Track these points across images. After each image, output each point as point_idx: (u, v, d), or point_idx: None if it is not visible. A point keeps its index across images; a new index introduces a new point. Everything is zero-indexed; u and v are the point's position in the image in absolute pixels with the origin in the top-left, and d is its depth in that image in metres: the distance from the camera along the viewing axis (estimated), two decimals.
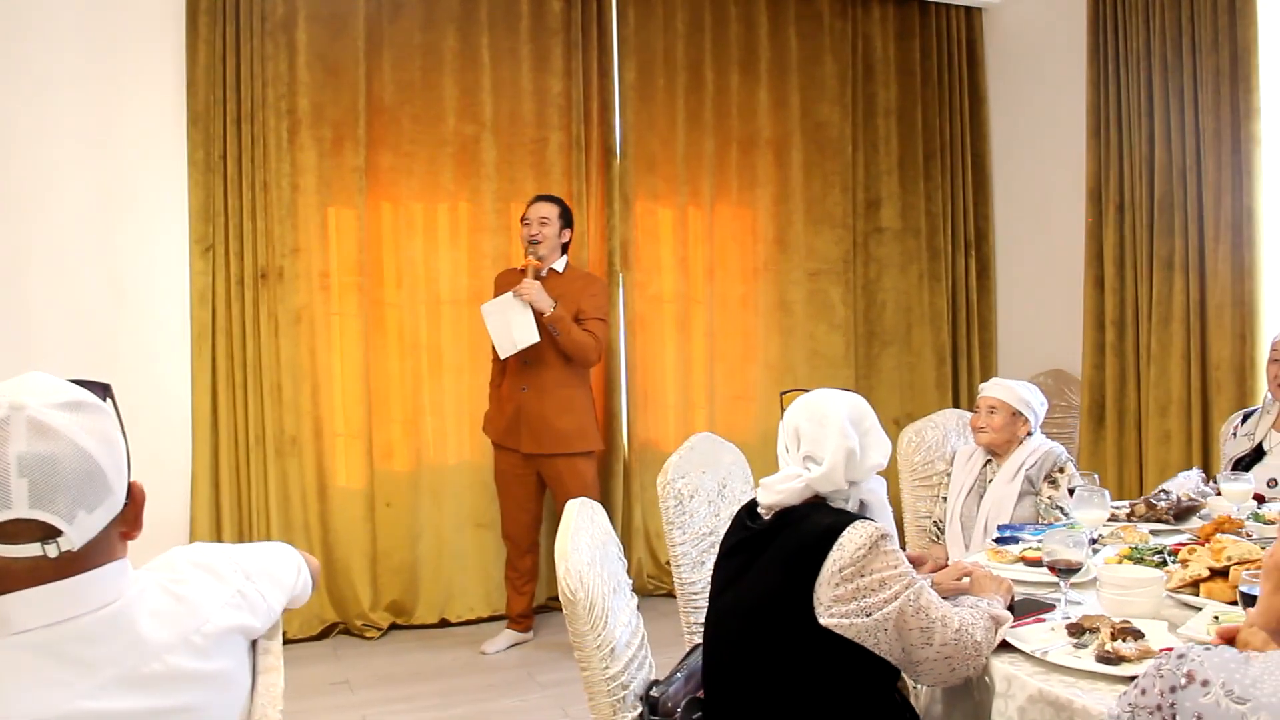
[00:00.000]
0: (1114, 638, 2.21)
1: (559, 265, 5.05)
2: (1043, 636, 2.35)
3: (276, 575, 1.72)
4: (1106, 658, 2.15)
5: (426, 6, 5.45)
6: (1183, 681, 1.47)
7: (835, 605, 2.17)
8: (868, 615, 2.16)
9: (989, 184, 6.67)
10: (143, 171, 5.03)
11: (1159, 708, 1.49)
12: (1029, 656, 2.26)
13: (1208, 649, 1.50)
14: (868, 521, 2.24)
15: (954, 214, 6.58)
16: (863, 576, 2.16)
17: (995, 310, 6.69)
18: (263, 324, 5.13)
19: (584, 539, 2.44)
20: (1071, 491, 3.31)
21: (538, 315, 4.80)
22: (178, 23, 5.04)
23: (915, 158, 6.51)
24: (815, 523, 2.27)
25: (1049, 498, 3.62)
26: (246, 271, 5.10)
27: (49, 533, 1.31)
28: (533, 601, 5.33)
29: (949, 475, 4.00)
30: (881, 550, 2.19)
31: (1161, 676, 1.50)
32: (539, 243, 4.96)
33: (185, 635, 1.44)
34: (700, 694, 2.53)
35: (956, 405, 6.33)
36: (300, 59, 5.20)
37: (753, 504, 2.48)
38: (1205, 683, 1.44)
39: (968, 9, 6.59)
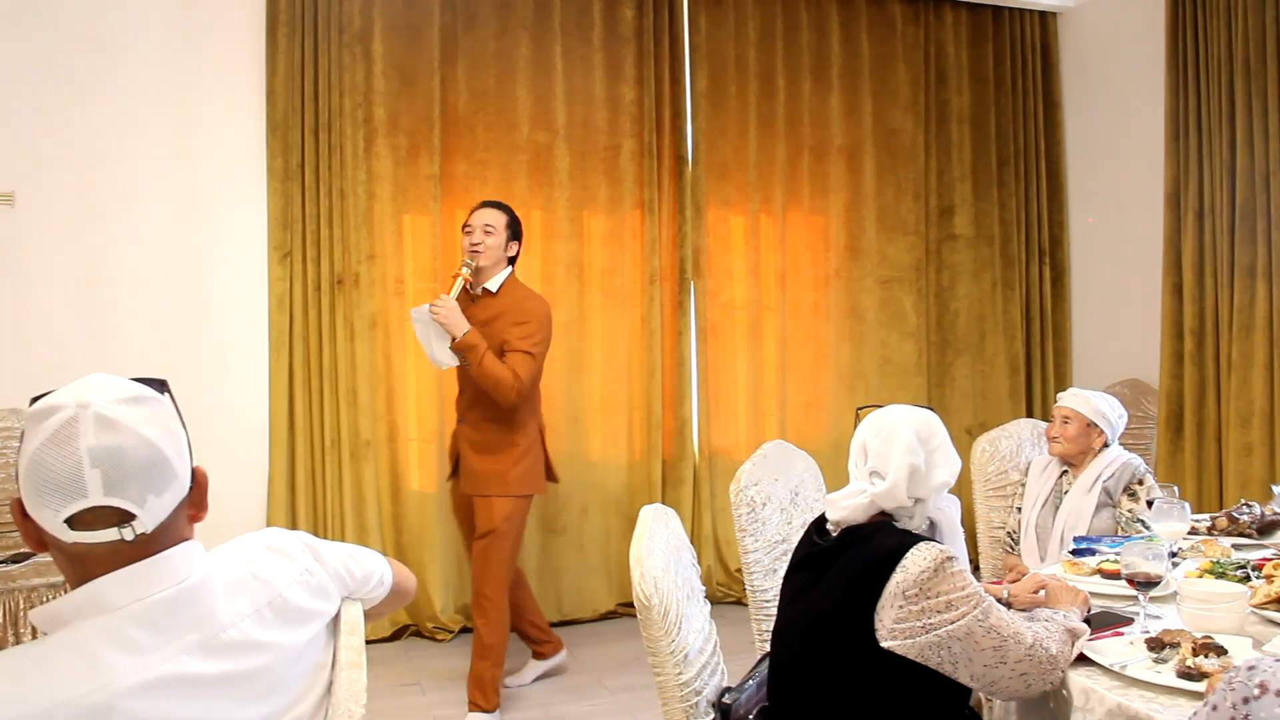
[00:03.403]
0: (1196, 653, 2.17)
1: (495, 283, 4.37)
2: (1121, 650, 2.32)
3: (346, 561, 1.80)
4: (1188, 673, 2.12)
5: (500, 15, 5.51)
6: (1255, 693, 1.45)
7: (897, 626, 2.14)
8: (929, 632, 2.13)
9: (1064, 190, 6.59)
10: (223, 180, 5.13)
11: None
12: (1107, 670, 2.23)
13: (1279, 660, 1.48)
14: (932, 543, 2.21)
15: (1028, 221, 6.52)
16: (927, 599, 2.13)
17: (1070, 319, 6.60)
18: (339, 329, 5.21)
19: (659, 544, 2.45)
20: (1150, 504, 3.26)
21: (451, 339, 4.24)
22: (258, 34, 5.13)
23: (989, 164, 6.45)
24: (880, 543, 2.24)
25: (1128, 510, 3.57)
26: (323, 277, 5.18)
27: (124, 518, 1.41)
28: (543, 620, 4.89)
29: (1023, 486, 3.96)
30: (947, 572, 2.15)
31: (1233, 689, 1.48)
32: (479, 253, 4.32)
33: (257, 607, 1.55)
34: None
35: (1030, 415, 6.26)
36: (376, 68, 5.28)
37: (822, 519, 2.46)
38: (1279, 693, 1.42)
39: (1042, 13, 6.52)
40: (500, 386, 4.19)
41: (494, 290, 4.37)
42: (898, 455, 2.34)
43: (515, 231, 4.45)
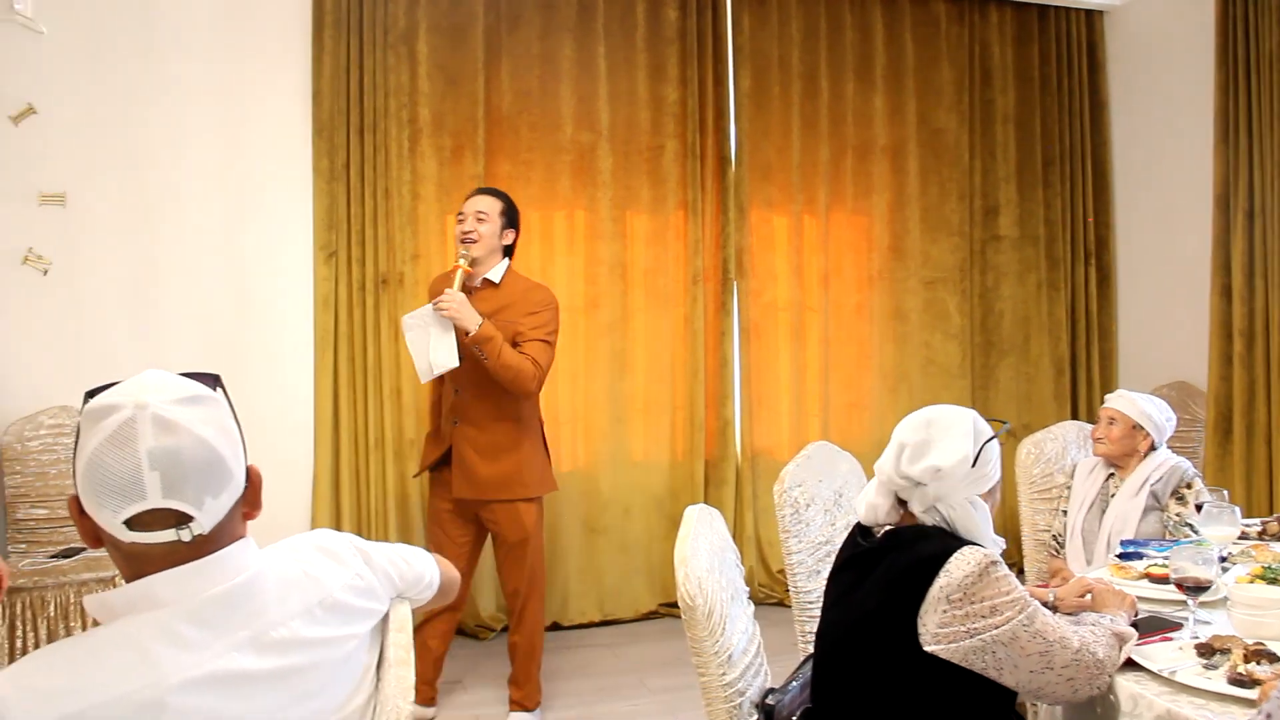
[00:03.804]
0: (1247, 660, 2.15)
1: (496, 274, 4.21)
2: (1170, 656, 2.30)
3: (393, 559, 1.81)
4: (1240, 680, 2.10)
5: (544, 16, 5.53)
6: None
7: (941, 631, 2.13)
8: (973, 636, 2.12)
9: (1110, 191, 6.53)
10: (269, 180, 5.18)
11: None
12: (1155, 676, 2.21)
13: None
14: (976, 548, 2.19)
15: (1074, 221, 6.46)
16: (971, 603, 2.11)
17: (1116, 320, 6.54)
18: (383, 329, 5.24)
19: (703, 545, 2.45)
20: (1199, 508, 3.23)
21: (461, 334, 4.04)
22: (304, 36, 5.18)
23: (1034, 164, 6.40)
24: (924, 547, 2.23)
25: (1176, 514, 3.53)
26: (368, 277, 5.21)
27: (181, 519, 1.42)
28: (440, 669, 4.51)
29: (1069, 488, 3.93)
30: (991, 577, 2.13)
31: None
32: (473, 242, 4.13)
33: (308, 606, 1.56)
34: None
35: (1075, 417, 6.21)
36: (421, 69, 5.31)
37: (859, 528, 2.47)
38: None
39: (1088, 12, 6.47)
40: (522, 376, 4.04)
41: (496, 281, 4.20)
42: (955, 440, 2.31)
43: (511, 219, 4.27)
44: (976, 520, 2.29)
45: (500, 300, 4.16)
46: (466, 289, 4.14)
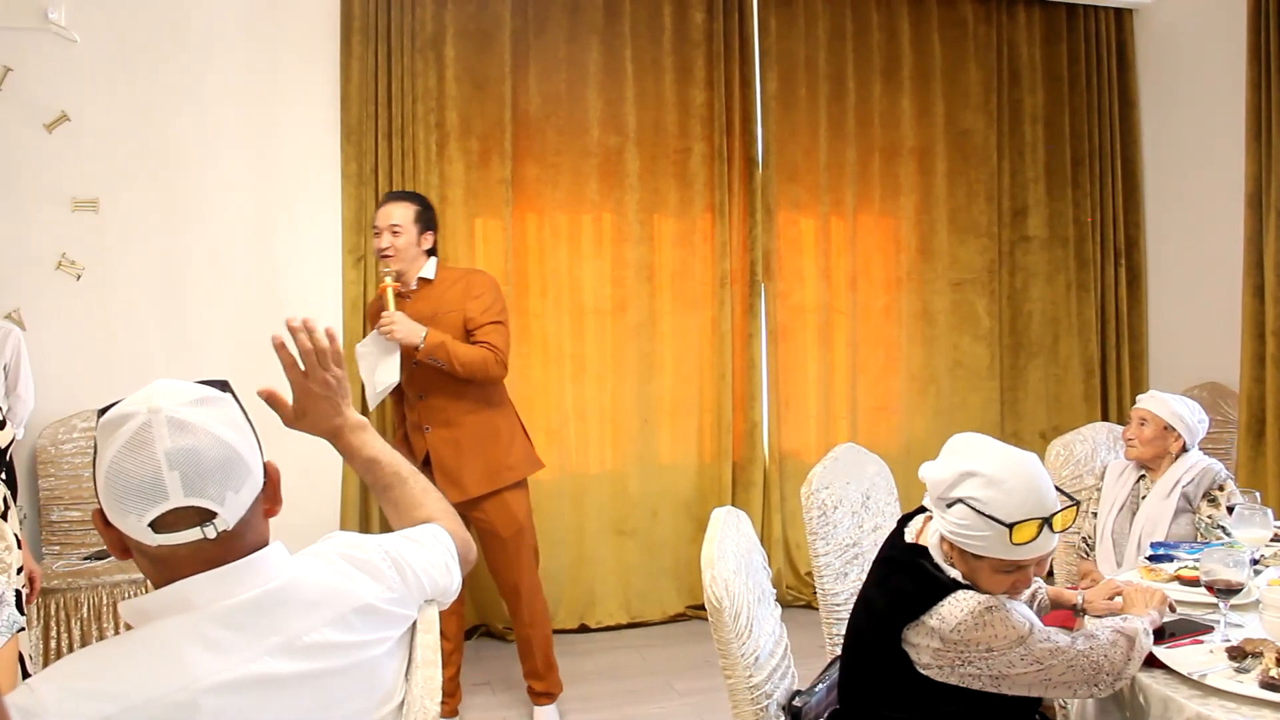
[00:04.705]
0: (1279, 663, 2.13)
1: (429, 270, 4.22)
2: (1200, 659, 2.29)
3: (425, 567, 1.79)
4: (1272, 684, 2.08)
5: (571, 20, 5.54)
6: None
7: (933, 662, 2.13)
8: (967, 665, 2.11)
9: (1140, 190, 6.48)
10: (298, 184, 5.21)
11: None
12: (1186, 679, 2.20)
13: None
14: (970, 593, 2.16)
15: (1103, 222, 6.42)
16: (966, 645, 2.11)
17: (1146, 321, 6.49)
18: None
19: (730, 547, 2.46)
20: (1231, 510, 3.21)
21: (410, 350, 4.04)
22: (332, 41, 5.21)
23: (1063, 165, 6.36)
24: (922, 579, 2.22)
25: (1209, 516, 3.51)
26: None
27: (205, 516, 1.45)
28: (458, 676, 4.49)
29: (1099, 490, 3.90)
30: (987, 622, 2.11)
31: None
32: (391, 257, 4.13)
33: (340, 612, 1.57)
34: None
35: (1105, 419, 6.16)
36: (449, 74, 5.33)
37: (903, 521, 2.46)
38: None
39: (1118, 10, 6.42)
40: (486, 365, 4.07)
41: (430, 278, 4.22)
42: (951, 461, 2.25)
43: (427, 222, 4.25)
44: (948, 569, 2.24)
45: (439, 294, 4.18)
46: (404, 296, 4.17)
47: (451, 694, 4.40)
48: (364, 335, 5.14)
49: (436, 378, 4.12)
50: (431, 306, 4.13)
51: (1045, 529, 2.13)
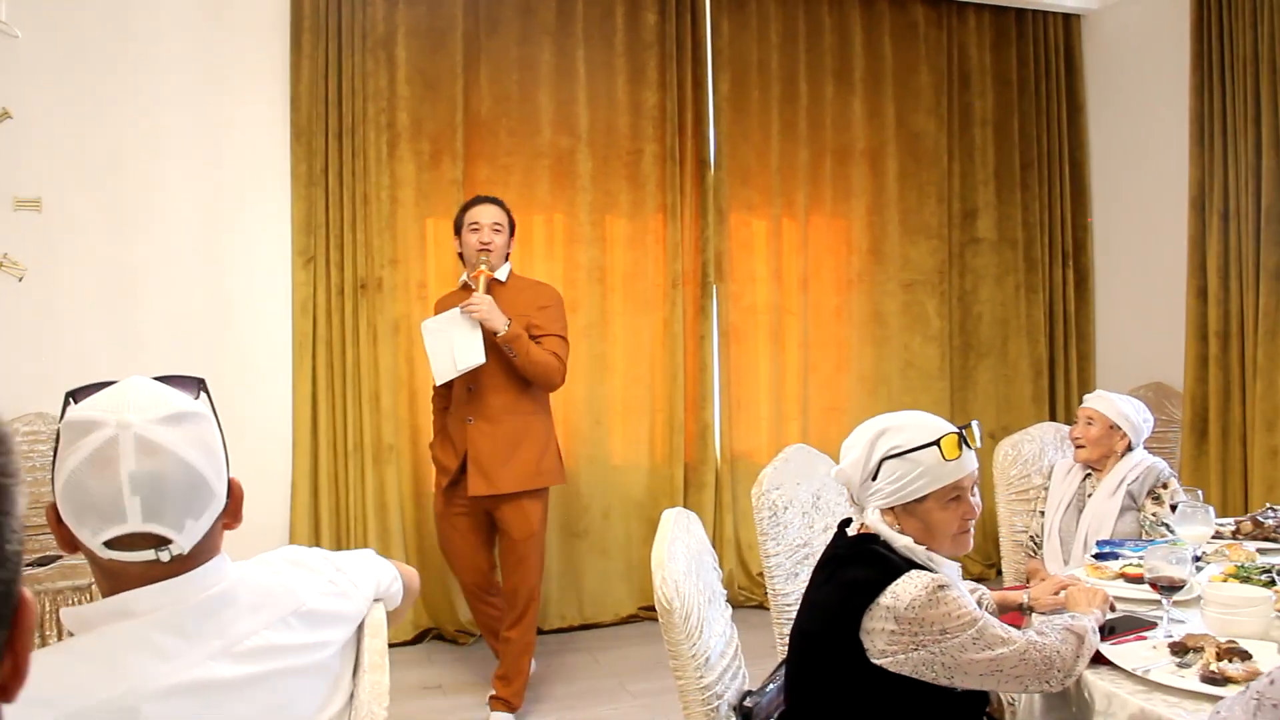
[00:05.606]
0: (1220, 658, 2.16)
1: (503, 274, 4.41)
2: (1144, 655, 2.31)
3: (366, 569, 1.81)
4: (1212, 678, 2.11)
5: (523, 21, 5.52)
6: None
7: (888, 648, 2.13)
8: (920, 649, 2.12)
9: (1087, 193, 6.57)
10: (247, 185, 5.16)
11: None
12: (1130, 675, 2.22)
13: None
14: (922, 572, 2.18)
15: (1051, 224, 6.50)
16: (920, 626, 2.11)
17: (1094, 322, 6.58)
18: (362, 334, 5.22)
19: (680, 548, 2.45)
20: (1174, 508, 3.25)
21: (489, 335, 4.19)
22: (282, 41, 5.16)
23: (1012, 167, 6.44)
24: (863, 569, 2.22)
25: (1152, 514, 3.55)
26: (347, 282, 5.20)
27: (161, 542, 1.42)
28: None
29: (1046, 489, 3.95)
30: (940, 601, 2.12)
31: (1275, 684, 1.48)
32: (491, 251, 4.34)
33: (282, 615, 1.56)
34: None
35: (1053, 419, 6.24)
36: (400, 74, 5.30)
37: (843, 525, 2.46)
38: None
39: (1066, 16, 6.50)
40: (550, 371, 4.28)
41: (503, 280, 4.40)
42: (855, 447, 2.34)
43: (513, 227, 4.51)
44: (899, 540, 2.26)
45: (509, 297, 4.34)
46: (488, 292, 4.30)
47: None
48: (314, 336, 5.15)
49: (493, 375, 4.28)
50: (501, 306, 4.24)
51: (964, 447, 2.28)
